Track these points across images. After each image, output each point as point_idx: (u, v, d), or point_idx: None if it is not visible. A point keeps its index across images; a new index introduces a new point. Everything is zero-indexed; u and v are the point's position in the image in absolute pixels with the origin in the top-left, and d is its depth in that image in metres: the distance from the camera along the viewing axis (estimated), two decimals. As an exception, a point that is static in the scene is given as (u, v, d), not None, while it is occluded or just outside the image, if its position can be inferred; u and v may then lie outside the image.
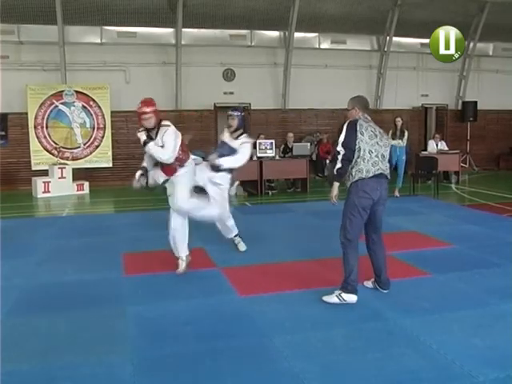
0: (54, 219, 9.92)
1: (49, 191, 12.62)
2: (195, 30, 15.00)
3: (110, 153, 14.31)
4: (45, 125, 13.81)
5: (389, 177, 5.01)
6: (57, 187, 12.68)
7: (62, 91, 13.88)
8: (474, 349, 3.81)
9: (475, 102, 17.17)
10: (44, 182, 12.67)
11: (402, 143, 11.51)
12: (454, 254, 6.57)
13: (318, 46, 16.24)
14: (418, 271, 5.78)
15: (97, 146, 14.21)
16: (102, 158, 14.28)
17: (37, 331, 4.28)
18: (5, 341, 4.07)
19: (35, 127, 13.73)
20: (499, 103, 17.61)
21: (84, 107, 14.07)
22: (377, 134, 4.89)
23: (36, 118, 13.72)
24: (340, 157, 4.77)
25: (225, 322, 4.42)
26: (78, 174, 13.75)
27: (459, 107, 17.68)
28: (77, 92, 13.98)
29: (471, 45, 17.06)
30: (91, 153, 14.19)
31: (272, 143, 12.55)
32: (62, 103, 13.91)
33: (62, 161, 13.49)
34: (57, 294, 5.21)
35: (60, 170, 12.89)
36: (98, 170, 14.41)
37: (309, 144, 14.23)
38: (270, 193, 12.79)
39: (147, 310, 4.72)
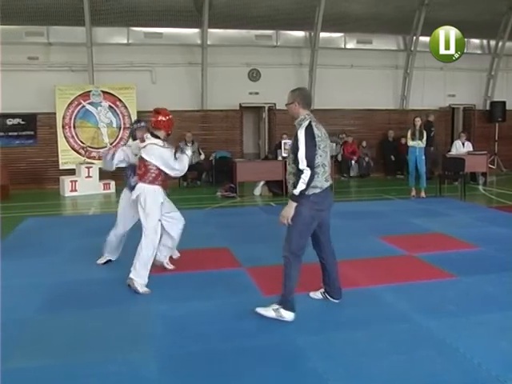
0: (81, 218, 10.05)
1: (76, 190, 12.79)
2: (221, 31, 15.04)
3: (136, 152, 14.44)
4: (72, 125, 13.99)
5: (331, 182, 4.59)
6: (84, 186, 12.84)
7: (90, 91, 14.06)
8: (501, 353, 3.75)
9: (504, 102, 16.89)
10: (71, 181, 12.84)
11: (421, 144, 11.39)
12: (481, 256, 6.48)
13: (343, 46, 16.14)
14: (444, 273, 5.71)
15: (123, 146, 14.34)
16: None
17: (63, 328, 4.35)
18: (33, 337, 4.15)
19: (63, 127, 13.92)
20: (529, 103, 17.30)
21: (111, 107, 14.22)
22: (326, 138, 4.50)
23: (64, 117, 13.92)
24: (305, 178, 4.24)
25: (249, 321, 4.43)
26: (105, 174, 13.85)
27: (487, 107, 17.42)
28: (104, 92, 14.14)
29: (500, 44, 16.80)
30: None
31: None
32: (89, 103, 14.08)
33: (89, 160, 13.65)
34: (83, 291, 5.28)
35: (87, 170, 13.05)
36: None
37: (334, 144, 14.16)
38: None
39: (172, 308, 4.76)
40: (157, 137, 5.36)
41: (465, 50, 16.25)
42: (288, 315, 4.43)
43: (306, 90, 4.88)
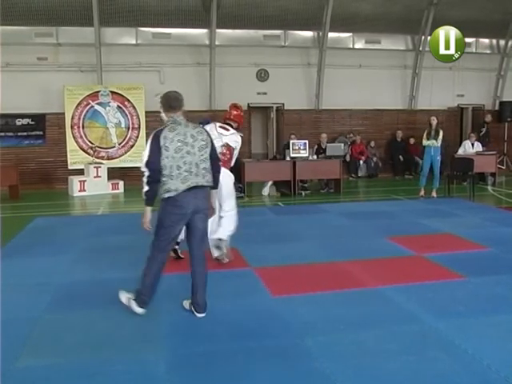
0: (90, 217, 10.09)
1: (84, 190, 12.84)
2: (229, 31, 15.06)
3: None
4: (81, 125, 14.04)
5: (207, 184, 4.52)
6: (92, 186, 12.89)
7: (98, 92, 14.10)
8: (510, 354, 3.73)
9: (513, 102, 16.81)
10: (80, 181, 12.89)
11: (436, 143, 11.36)
12: (490, 257, 6.45)
13: (351, 46, 16.10)
14: (453, 274, 5.69)
15: (131, 146, 14.38)
16: (137, 157, 14.36)
17: (73, 327, 4.36)
18: (43, 336, 4.17)
19: (72, 127, 13.97)
20: (539, 103, 17.18)
21: (119, 107, 14.26)
22: (187, 141, 4.40)
23: (73, 118, 13.96)
24: (145, 179, 4.44)
25: (257, 321, 4.43)
26: (113, 173, 13.94)
27: (496, 107, 17.32)
28: (112, 92, 14.18)
29: (509, 43, 16.71)
30: (126, 152, 14.37)
31: (305, 143, 12.51)
32: (97, 103, 14.12)
33: (98, 160, 13.70)
34: (93, 291, 5.29)
35: (95, 170, 13.10)
36: (132, 170, 14.52)
37: (342, 144, 14.14)
38: (303, 193, 12.76)
39: (180, 308, 4.76)
40: (232, 127, 6.37)
41: (474, 50, 16.41)
42: (137, 309, 4.53)
43: (170, 93, 4.77)
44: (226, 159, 6.20)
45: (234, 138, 6.31)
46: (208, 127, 5.92)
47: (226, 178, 5.99)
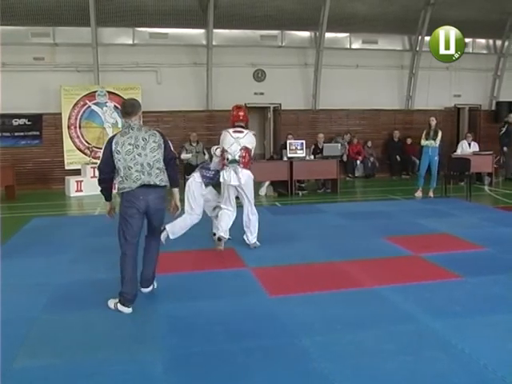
0: (87, 218, 10.08)
1: (81, 190, 12.82)
2: (226, 31, 15.06)
3: (141, 152, 14.46)
4: (78, 125, 14.04)
5: (160, 183, 4.78)
6: (89, 186, 12.85)
7: (95, 92, 14.10)
8: (507, 354, 3.74)
9: (510, 102, 16.81)
10: (77, 181, 12.88)
11: (434, 143, 11.39)
12: (487, 256, 6.47)
13: (348, 46, 16.12)
14: (450, 274, 5.70)
15: (128, 146, 14.37)
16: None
17: (70, 328, 4.36)
18: (40, 336, 4.17)
19: (69, 127, 13.96)
20: (535, 103, 17.23)
21: (116, 107, 14.24)
22: (138, 143, 4.68)
23: (69, 118, 13.96)
24: (98, 180, 5.01)
25: (255, 321, 4.44)
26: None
27: (493, 107, 17.37)
28: (109, 92, 14.18)
29: (506, 44, 16.75)
30: (123, 152, 14.36)
31: (302, 144, 12.52)
32: (94, 103, 14.12)
33: (95, 160, 13.67)
34: (90, 291, 5.29)
35: (92, 170, 13.06)
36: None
37: (339, 144, 14.16)
38: (300, 193, 12.76)
39: (178, 308, 4.77)
40: (244, 128, 6.86)
41: (470, 50, 16.43)
42: (123, 309, 4.70)
43: (127, 100, 5.22)
44: (246, 161, 6.67)
45: (249, 140, 6.80)
46: (222, 135, 6.70)
47: (248, 178, 6.72)
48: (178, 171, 5.17)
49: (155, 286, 5.25)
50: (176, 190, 5.07)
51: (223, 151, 6.69)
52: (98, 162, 4.95)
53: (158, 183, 4.78)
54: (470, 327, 4.24)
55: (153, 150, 4.74)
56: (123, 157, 4.67)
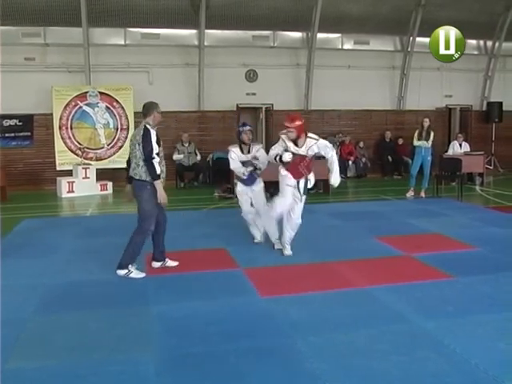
0: (79, 219, 10.05)
1: (73, 191, 12.78)
2: (218, 31, 15.05)
3: (133, 153, 14.43)
4: (69, 125, 13.97)
5: (132, 174, 5.72)
6: (81, 187, 12.83)
7: (87, 92, 14.04)
8: (499, 353, 3.78)
9: (500, 103, 16.90)
10: (68, 182, 12.83)
11: (427, 144, 11.43)
12: (478, 256, 6.51)
13: (340, 47, 16.15)
14: (442, 274, 5.74)
15: (120, 147, 14.34)
16: (126, 158, 14.33)
17: (64, 329, 4.36)
18: (32, 338, 4.16)
19: (60, 128, 13.90)
20: (525, 104, 17.34)
21: (108, 108, 14.21)
22: (132, 139, 5.82)
23: (61, 118, 13.90)
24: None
25: (248, 322, 4.45)
26: (102, 174, 13.89)
27: (484, 108, 17.46)
28: (101, 93, 14.13)
29: (496, 44, 16.85)
30: (115, 153, 14.32)
31: (294, 144, 12.49)
32: (86, 104, 14.07)
33: (86, 161, 13.64)
34: (83, 292, 5.29)
35: (84, 171, 13.04)
36: (121, 171, 14.47)
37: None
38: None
39: (171, 309, 4.78)
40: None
41: (469, 51, 16.50)
42: (140, 275, 5.76)
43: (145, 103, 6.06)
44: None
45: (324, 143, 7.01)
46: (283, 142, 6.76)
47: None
48: (152, 168, 5.60)
49: (129, 273, 5.77)
50: (155, 183, 5.66)
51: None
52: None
53: (133, 176, 5.72)
54: (462, 327, 4.28)
55: (133, 145, 5.72)
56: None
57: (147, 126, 5.67)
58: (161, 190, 5.67)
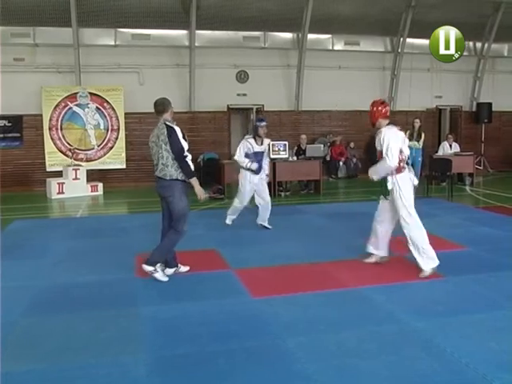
0: (69, 220, 9.99)
1: (63, 192, 12.71)
2: (208, 32, 15.04)
3: (123, 154, 14.39)
4: (59, 126, 13.92)
5: (160, 175, 5.48)
6: (71, 188, 12.77)
7: (77, 93, 13.99)
8: (489, 352, 3.79)
9: (490, 104, 17.04)
10: (58, 183, 12.76)
11: (418, 145, 11.48)
12: (469, 256, 6.54)
13: (331, 48, 16.21)
14: (431, 274, 5.74)
15: (111, 148, 14.30)
16: (116, 159, 14.37)
17: (52, 331, 4.32)
18: (21, 340, 4.12)
19: (50, 129, 13.84)
20: (515, 105, 17.47)
21: (98, 109, 14.16)
22: (154, 139, 5.58)
23: (51, 119, 13.84)
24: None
25: (238, 323, 4.43)
26: (92, 176, 13.85)
27: (473, 109, 17.56)
28: (91, 94, 14.08)
29: (486, 45, 16.95)
30: (105, 154, 14.28)
31: (285, 145, 12.52)
32: (76, 105, 14.01)
33: (76, 162, 13.59)
34: (72, 294, 5.25)
35: (74, 172, 12.98)
36: (111, 172, 14.50)
37: (322, 145, 14.20)
38: (283, 194, 12.78)
39: (161, 310, 4.75)
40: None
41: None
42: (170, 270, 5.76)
43: (156, 100, 5.90)
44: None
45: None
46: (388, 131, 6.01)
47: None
48: (187, 165, 5.45)
49: (155, 272, 5.58)
50: (192, 181, 5.52)
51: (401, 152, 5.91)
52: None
53: (160, 176, 5.50)
54: (452, 326, 4.28)
55: (160, 146, 5.46)
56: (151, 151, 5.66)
57: (168, 123, 5.48)
58: (198, 186, 5.54)
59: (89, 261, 6.45)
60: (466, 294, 5.13)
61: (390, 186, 6.00)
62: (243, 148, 8.10)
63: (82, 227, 8.86)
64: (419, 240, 5.77)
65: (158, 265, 5.61)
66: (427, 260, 5.70)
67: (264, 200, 8.28)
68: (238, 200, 8.35)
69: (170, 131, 5.39)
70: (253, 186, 8.17)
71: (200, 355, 3.83)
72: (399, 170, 5.82)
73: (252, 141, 8.09)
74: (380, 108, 6.06)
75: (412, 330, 4.23)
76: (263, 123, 8.19)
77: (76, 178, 12.99)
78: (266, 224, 8.37)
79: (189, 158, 5.45)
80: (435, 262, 5.69)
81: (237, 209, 8.43)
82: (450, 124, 17.90)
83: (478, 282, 5.45)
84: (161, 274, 5.61)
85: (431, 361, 3.68)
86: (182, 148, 5.39)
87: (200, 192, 5.53)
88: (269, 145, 8.76)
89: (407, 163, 5.94)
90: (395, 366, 3.63)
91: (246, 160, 8.06)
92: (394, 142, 5.79)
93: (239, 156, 8.12)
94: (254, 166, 8.05)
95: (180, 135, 5.41)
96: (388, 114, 6.13)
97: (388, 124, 6.05)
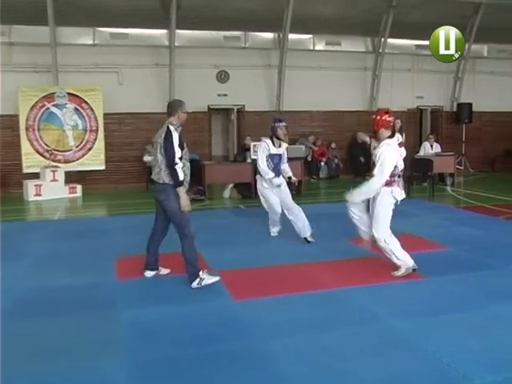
0: (46, 222, 9.90)
1: (40, 194, 12.58)
2: (189, 32, 15.01)
3: (102, 155, 14.28)
4: (36, 127, 13.76)
5: (155, 179, 5.49)
6: (48, 190, 12.65)
7: (54, 93, 13.84)
8: (470, 351, 3.84)
9: (470, 104, 17.24)
10: (35, 185, 12.63)
11: None
12: (449, 256, 6.62)
13: (312, 48, 16.28)
14: (413, 274, 5.79)
15: (89, 149, 14.17)
16: (95, 160, 14.25)
17: (29, 336, 4.28)
18: (-3, 346, 4.07)
19: (26, 129, 13.68)
20: (494, 105, 17.65)
21: (76, 109, 14.03)
22: (156, 140, 5.51)
23: (27, 120, 13.68)
24: None
25: (220, 325, 4.43)
26: (71, 177, 13.73)
27: (454, 109, 17.75)
28: (69, 94, 13.94)
29: (466, 46, 17.11)
30: (83, 155, 14.15)
31: (266, 145, 12.51)
32: (53, 105, 13.86)
33: (54, 163, 13.46)
34: (49, 298, 5.20)
35: (52, 173, 12.86)
36: (90, 173, 14.38)
37: (303, 146, 14.25)
38: (265, 195, 12.76)
39: (141, 314, 4.73)
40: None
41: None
42: (213, 278, 5.48)
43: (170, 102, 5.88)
44: None
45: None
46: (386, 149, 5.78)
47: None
48: (175, 173, 5.32)
49: (202, 281, 5.46)
50: (178, 190, 5.37)
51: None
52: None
53: (155, 180, 5.52)
54: (433, 326, 4.33)
55: (156, 148, 5.47)
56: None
57: (170, 126, 5.40)
58: (184, 196, 5.37)
59: (68, 264, 6.40)
60: (447, 293, 5.19)
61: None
62: (263, 151, 7.45)
63: (60, 230, 8.78)
64: (394, 252, 5.79)
65: (200, 273, 5.44)
66: (402, 262, 5.78)
67: (288, 206, 7.49)
68: (270, 213, 7.76)
69: (168, 136, 5.33)
70: (274, 192, 7.52)
71: (182, 359, 3.82)
72: (388, 183, 5.80)
73: (269, 141, 7.52)
74: (384, 118, 5.94)
75: (394, 330, 4.28)
76: (282, 123, 7.62)
77: (54, 180, 12.88)
78: (309, 236, 7.42)
79: (179, 166, 5.30)
80: (411, 263, 5.75)
81: (274, 220, 7.82)
82: (431, 124, 18.08)
83: (458, 281, 5.52)
84: (208, 277, 5.45)
85: (413, 361, 3.72)
86: (174, 155, 5.28)
87: (184, 203, 5.37)
88: (286, 149, 7.90)
89: (399, 176, 5.92)
90: (377, 366, 3.66)
91: (272, 174, 7.37)
92: (388, 161, 5.68)
93: (263, 164, 7.40)
94: (278, 181, 7.43)
95: (176, 142, 5.31)
96: (391, 124, 5.99)
97: (390, 136, 5.87)
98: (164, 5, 14.11)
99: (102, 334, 4.29)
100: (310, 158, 15.58)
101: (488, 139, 17.91)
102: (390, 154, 5.70)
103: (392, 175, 5.76)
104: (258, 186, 7.68)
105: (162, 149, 5.35)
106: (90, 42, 14.53)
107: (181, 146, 5.39)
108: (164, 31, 14.79)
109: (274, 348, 3.98)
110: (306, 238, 7.40)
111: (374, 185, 5.75)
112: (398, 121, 11.79)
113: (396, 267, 5.81)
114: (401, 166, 5.87)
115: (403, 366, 3.66)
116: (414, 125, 17.60)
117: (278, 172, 7.52)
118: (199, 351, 3.94)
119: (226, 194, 12.70)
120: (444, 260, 6.42)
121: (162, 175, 5.41)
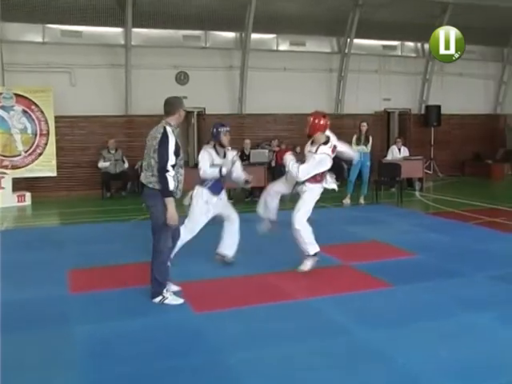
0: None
1: (-14, 203, 12.33)
2: (146, 30, 14.91)
3: (54, 161, 14.04)
4: (-19, 131, 13.48)
5: (145, 182, 5.31)
6: (-5, 198, 12.40)
7: (0, 94, 13.59)
8: (440, 361, 3.92)
9: (439, 107, 17.53)
10: (-20, 193, 12.38)
11: (366, 149, 11.73)
12: (418, 263, 6.74)
13: (276, 48, 16.37)
14: (381, 283, 5.89)
15: (39, 154, 13.92)
16: (46, 166, 14.00)
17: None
18: None
19: (-30, 133, 13.39)
20: (463, 107, 18.04)
21: (25, 112, 13.76)
22: (148, 140, 5.32)
23: (-29, 123, 13.39)
24: None
25: (181, 339, 4.42)
26: (19, 184, 13.46)
27: (422, 111, 18.05)
28: (16, 95, 13.66)
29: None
30: (33, 161, 13.89)
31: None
32: (-1, 107, 13.61)
33: (1, 170, 13.18)
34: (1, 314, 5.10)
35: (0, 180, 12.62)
36: (41, 180, 14.13)
37: (267, 151, 14.32)
38: (227, 202, 12.74)
39: (96, 329, 4.67)
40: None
41: (399, 53, 17.08)
42: (178, 300, 5.32)
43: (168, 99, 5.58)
44: None
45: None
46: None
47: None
48: (165, 181, 5.07)
49: (165, 299, 5.34)
50: (166, 200, 5.11)
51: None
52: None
53: (144, 182, 5.33)
54: (403, 336, 4.41)
55: (148, 148, 5.24)
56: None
57: (167, 128, 5.13)
58: (171, 209, 5.08)
59: (16, 277, 6.27)
60: (416, 302, 5.29)
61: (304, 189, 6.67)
62: (208, 158, 6.65)
63: (7, 241, 8.59)
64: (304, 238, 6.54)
65: (165, 290, 5.34)
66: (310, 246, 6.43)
67: (228, 215, 6.99)
68: (184, 232, 6.51)
69: (163, 139, 5.06)
70: (210, 207, 6.85)
71: (142, 374, 3.80)
72: (319, 180, 6.54)
73: (212, 151, 6.70)
74: (322, 122, 6.29)
75: (363, 341, 4.33)
76: (226, 128, 6.68)
77: (0, 188, 12.62)
78: (232, 257, 6.84)
79: (170, 174, 5.04)
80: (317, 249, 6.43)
81: (186, 241, 6.73)
82: (399, 127, 18.32)
83: (427, 289, 5.63)
84: (171, 298, 5.34)
85: (383, 373, 3.78)
86: (167, 161, 5.02)
87: (171, 217, 5.10)
88: (233, 159, 6.88)
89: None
90: (347, 379, 3.71)
91: (216, 169, 6.62)
92: (320, 168, 6.39)
93: (206, 167, 6.67)
94: (224, 171, 6.67)
95: (171, 148, 5.05)
96: (327, 128, 6.41)
97: (325, 143, 6.39)
98: (119, 1, 14.01)
99: (55, 352, 4.22)
100: (273, 163, 15.63)
101: (457, 142, 18.25)
102: (325, 163, 6.41)
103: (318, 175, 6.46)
104: (196, 195, 7.00)
105: (155, 153, 5.09)
106: (40, 39, 14.27)
107: (176, 153, 5.11)
108: (120, 29, 14.66)
109: (237, 362, 3.98)
110: (224, 257, 6.82)
111: (294, 173, 6.41)
112: (364, 124, 11.99)
113: (301, 262, 6.36)
114: (326, 168, 6.53)
115: (373, 378, 3.71)
116: (382, 128, 17.82)
117: (220, 187, 6.89)
118: (158, 367, 3.92)
119: (187, 200, 12.59)
120: (412, 267, 6.53)
121: (153, 180, 5.18)
